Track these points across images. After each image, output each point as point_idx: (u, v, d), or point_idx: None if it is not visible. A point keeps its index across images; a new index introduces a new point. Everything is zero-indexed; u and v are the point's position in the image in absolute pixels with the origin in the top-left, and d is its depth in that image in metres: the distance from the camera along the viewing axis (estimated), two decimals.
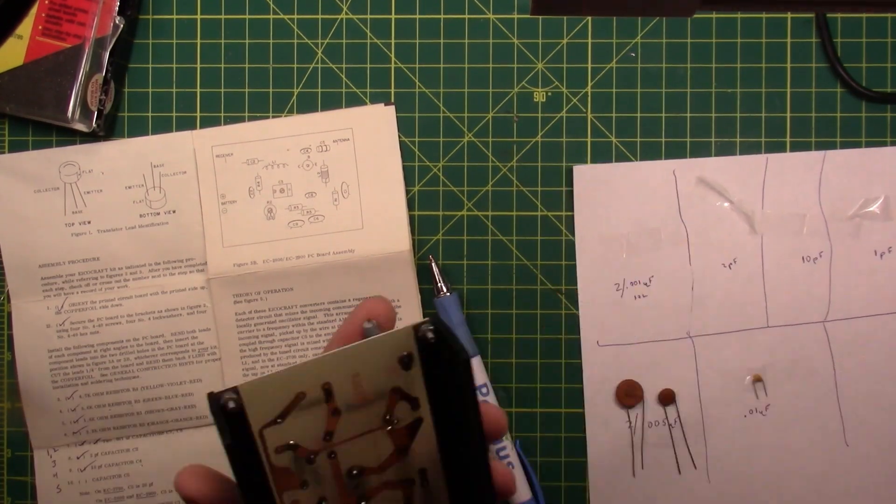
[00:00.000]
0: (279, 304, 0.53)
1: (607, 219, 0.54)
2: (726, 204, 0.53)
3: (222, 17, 0.55)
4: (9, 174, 0.54)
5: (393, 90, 0.54)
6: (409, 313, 0.53)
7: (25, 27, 0.52)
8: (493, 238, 0.54)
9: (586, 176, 0.54)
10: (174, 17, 0.55)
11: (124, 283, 0.54)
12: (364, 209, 0.53)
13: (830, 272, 0.53)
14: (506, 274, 0.54)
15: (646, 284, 0.53)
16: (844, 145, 0.53)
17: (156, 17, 0.55)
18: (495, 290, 0.54)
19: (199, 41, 0.55)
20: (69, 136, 0.55)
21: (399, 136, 0.54)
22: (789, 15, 0.53)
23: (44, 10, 0.52)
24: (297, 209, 0.53)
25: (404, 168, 0.54)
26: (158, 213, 0.54)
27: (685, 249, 0.53)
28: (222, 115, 0.55)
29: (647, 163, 0.54)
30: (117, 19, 0.52)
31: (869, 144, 0.53)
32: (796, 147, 0.53)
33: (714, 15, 0.54)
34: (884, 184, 0.53)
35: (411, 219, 0.54)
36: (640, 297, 0.53)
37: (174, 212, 0.54)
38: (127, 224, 0.54)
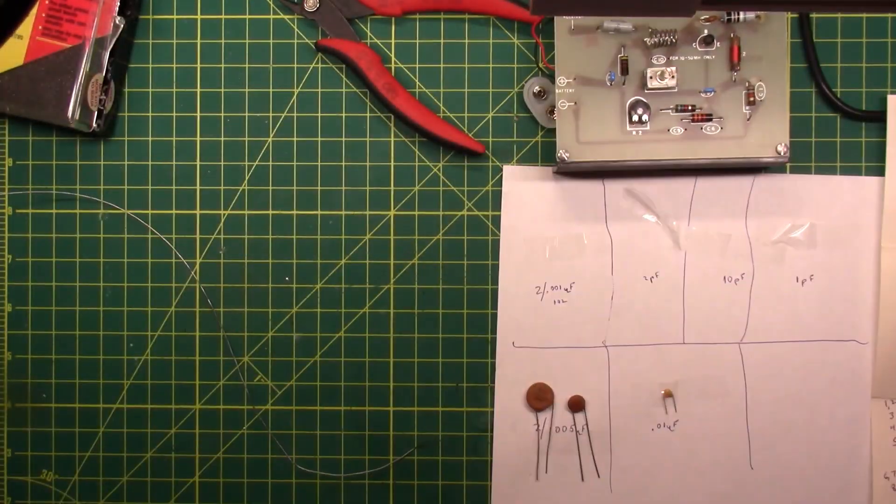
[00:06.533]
0: None
1: (534, 220, 0.53)
2: (653, 218, 0.53)
3: (222, 17, 0.55)
4: None
5: None
6: None
7: (25, 27, 0.52)
8: (493, 238, 0.54)
9: (516, 176, 0.54)
10: (174, 17, 0.55)
11: None
12: None
13: (751, 295, 0.53)
14: None
15: (566, 290, 0.53)
16: (844, 144, 0.54)
17: (156, 17, 0.55)
18: (495, 289, 0.54)
19: (199, 41, 0.55)
20: (69, 136, 0.55)
21: (399, 136, 0.54)
22: (788, 15, 0.53)
23: (44, 10, 0.52)
24: None
25: (404, 168, 0.54)
26: None
27: (608, 258, 0.53)
28: (222, 115, 0.55)
29: None
30: (117, 19, 0.52)
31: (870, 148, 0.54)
32: (796, 147, 0.53)
33: None
34: (810, 211, 0.53)
35: (411, 218, 0.54)
36: (559, 301, 0.53)
37: None
38: None
